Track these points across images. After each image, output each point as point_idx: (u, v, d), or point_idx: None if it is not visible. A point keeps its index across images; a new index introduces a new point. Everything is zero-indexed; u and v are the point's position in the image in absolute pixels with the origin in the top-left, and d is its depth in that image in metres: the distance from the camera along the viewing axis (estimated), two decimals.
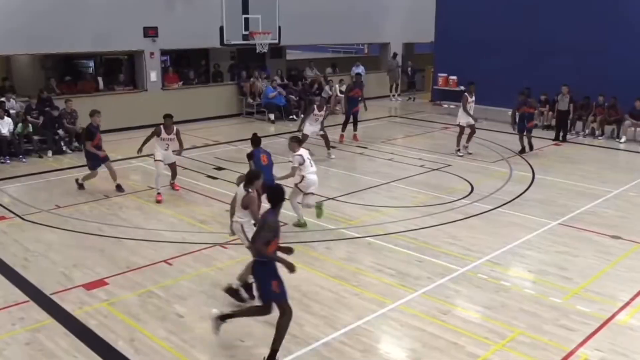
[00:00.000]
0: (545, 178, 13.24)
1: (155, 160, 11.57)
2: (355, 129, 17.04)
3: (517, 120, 15.57)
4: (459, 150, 15.33)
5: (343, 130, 16.96)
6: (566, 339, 6.64)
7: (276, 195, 6.31)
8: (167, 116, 11.56)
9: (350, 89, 17.09)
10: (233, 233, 7.66)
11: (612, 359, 6.30)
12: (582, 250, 9.13)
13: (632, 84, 17.50)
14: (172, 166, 11.98)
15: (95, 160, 11.94)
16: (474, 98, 15.16)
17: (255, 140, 9.78)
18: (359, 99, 16.89)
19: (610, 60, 18.23)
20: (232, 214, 7.57)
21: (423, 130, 19.12)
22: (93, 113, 11.95)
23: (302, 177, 9.74)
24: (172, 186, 12.16)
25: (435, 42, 24.32)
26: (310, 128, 14.53)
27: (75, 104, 16.19)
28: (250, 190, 7.24)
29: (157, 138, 11.48)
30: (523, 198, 11.81)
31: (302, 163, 9.68)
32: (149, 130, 11.79)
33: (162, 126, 11.45)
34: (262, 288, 6.13)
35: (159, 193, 11.48)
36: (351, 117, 16.83)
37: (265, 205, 6.61)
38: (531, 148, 15.68)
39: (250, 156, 9.58)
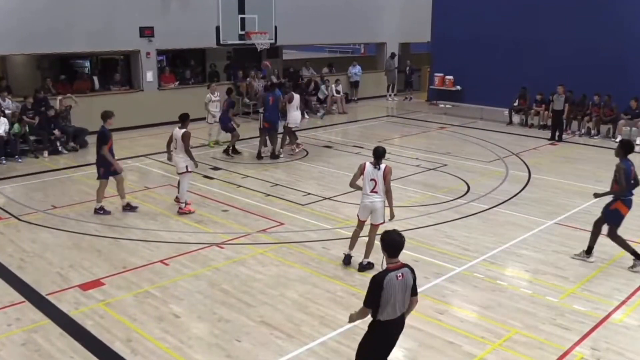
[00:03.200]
0: (541, 177, 13.26)
1: (186, 172, 10.55)
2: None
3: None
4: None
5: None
6: (562, 338, 6.66)
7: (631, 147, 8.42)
8: (187, 116, 10.52)
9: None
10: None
11: (608, 357, 6.32)
12: (577, 249, 9.13)
13: (627, 84, 17.57)
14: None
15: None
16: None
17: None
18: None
19: (606, 60, 18.28)
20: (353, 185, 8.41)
21: (419, 130, 19.13)
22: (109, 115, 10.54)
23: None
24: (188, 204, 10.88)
25: (431, 42, 24.35)
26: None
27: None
28: (379, 165, 8.10)
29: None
30: (519, 197, 11.83)
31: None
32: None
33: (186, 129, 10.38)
34: None
35: (188, 203, 10.80)
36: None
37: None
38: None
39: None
